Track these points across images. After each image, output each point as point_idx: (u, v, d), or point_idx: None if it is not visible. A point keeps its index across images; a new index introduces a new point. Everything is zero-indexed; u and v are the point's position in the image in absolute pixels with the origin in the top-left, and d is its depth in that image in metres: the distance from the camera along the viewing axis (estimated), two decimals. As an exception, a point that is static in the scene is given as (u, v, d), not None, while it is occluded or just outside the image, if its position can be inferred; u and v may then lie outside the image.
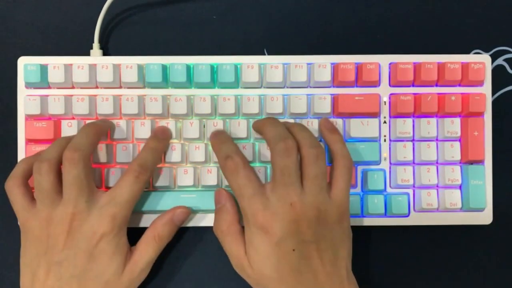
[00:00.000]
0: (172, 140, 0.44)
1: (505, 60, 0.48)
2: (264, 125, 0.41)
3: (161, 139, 0.43)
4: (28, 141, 0.43)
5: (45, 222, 0.38)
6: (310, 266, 0.37)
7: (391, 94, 0.44)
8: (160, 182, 0.43)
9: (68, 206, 0.38)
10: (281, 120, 0.42)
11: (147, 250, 0.41)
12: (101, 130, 0.42)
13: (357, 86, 0.44)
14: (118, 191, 0.39)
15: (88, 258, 0.38)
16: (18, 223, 0.40)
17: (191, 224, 0.44)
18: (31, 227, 0.39)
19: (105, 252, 0.38)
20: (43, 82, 0.43)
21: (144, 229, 0.42)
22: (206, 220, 0.44)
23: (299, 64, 0.44)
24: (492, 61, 0.47)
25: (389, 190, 0.44)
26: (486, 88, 0.44)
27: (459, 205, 0.44)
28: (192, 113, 0.44)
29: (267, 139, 0.40)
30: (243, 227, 0.40)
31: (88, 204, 0.38)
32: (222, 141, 0.42)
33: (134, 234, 0.42)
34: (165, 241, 0.42)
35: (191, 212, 0.43)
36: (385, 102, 0.44)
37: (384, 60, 0.44)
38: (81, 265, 0.38)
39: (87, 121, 0.43)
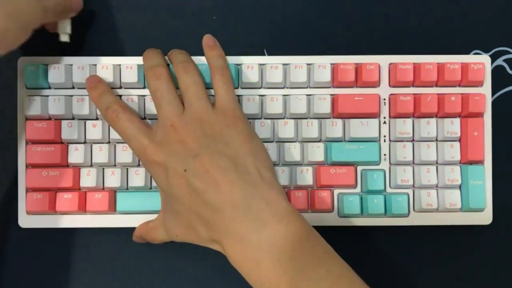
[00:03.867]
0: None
1: (505, 60, 0.48)
2: (143, 58, 0.41)
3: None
4: (28, 141, 0.43)
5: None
6: (208, 180, 0.35)
7: (391, 94, 0.44)
8: (160, 182, 0.43)
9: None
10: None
11: None
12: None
13: (356, 87, 0.44)
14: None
15: None
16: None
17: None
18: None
19: None
20: (43, 82, 0.43)
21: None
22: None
23: (299, 64, 0.44)
24: (492, 62, 0.47)
25: (389, 190, 0.44)
26: (486, 89, 0.45)
27: (459, 205, 0.44)
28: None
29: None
30: None
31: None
32: (100, 93, 0.41)
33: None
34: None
35: None
36: (385, 102, 0.44)
37: (384, 60, 0.44)
38: None
39: (87, 122, 0.43)
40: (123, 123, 0.38)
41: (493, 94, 0.46)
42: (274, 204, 0.35)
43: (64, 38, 0.43)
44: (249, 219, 0.34)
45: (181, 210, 0.36)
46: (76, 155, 0.43)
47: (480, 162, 0.44)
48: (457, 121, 0.44)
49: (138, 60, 0.44)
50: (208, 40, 0.42)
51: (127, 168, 0.44)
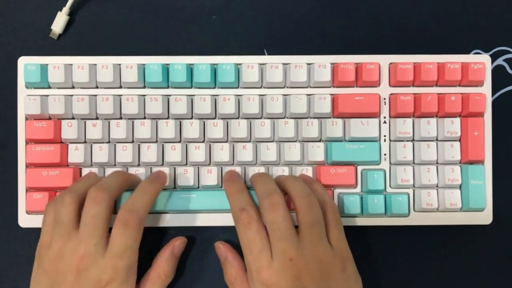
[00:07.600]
0: (172, 140, 0.44)
1: (505, 60, 0.48)
2: (255, 182, 0.41)
3: (154, 182, 0.42)
4: (28, 141, 0.43)
5: (56, 256, 0.38)
6: None
7: (391, 94, 0.44)
8: (160, 182, 0.43)
9: (79, 245, 0.37)
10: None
11: None
12: (131, 179, 0.42)
13: (357, 86, 0.44)
14: (113, 242, 0.38)
15: None
16: (38, 244, 0.39)
17: (191, 224, 0.44)
18: (44, 255, 0.38)
19: None
20: (43, 82, 0.43)
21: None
22: (206, 220, 0.44)
23: (299, 64, 0.44)
24: (492, 61, 0.47)
25: (389, 190, 0.44)
26: (486, 88, 0.45)
27: (459, 205, 0.44)
28: (192, 113, 0.44)
29: (257, 197, 0.41)
30: None
31: (97, 248, 0.37)
32: (238, 191, 0.41)
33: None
34: (170, 276, 0.42)
35: (186, 240, 0.44)
36: (385, 102, 0.44)
37: (384, 60, 0.44)
38: None
39: (87, 121, 0.43)
40: (252, 233, 0.38)
41: (493, 93, 0.46)
42: None
43: (53, 35, 0.45)
44: None
45: None
46: (76, 154, 0.43)
47: (480, 162, 0.44)
48: (457, 120, 0.44)
49: (138, 59, 0.44)
50: (304, 177, 0.43)
51: (127, 168, 0.44)
